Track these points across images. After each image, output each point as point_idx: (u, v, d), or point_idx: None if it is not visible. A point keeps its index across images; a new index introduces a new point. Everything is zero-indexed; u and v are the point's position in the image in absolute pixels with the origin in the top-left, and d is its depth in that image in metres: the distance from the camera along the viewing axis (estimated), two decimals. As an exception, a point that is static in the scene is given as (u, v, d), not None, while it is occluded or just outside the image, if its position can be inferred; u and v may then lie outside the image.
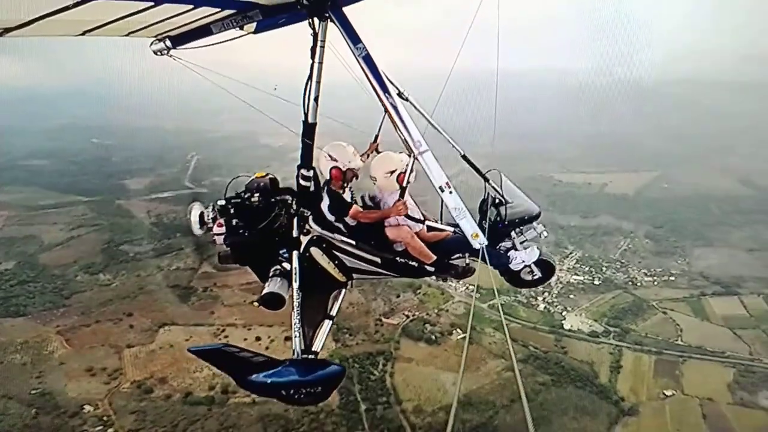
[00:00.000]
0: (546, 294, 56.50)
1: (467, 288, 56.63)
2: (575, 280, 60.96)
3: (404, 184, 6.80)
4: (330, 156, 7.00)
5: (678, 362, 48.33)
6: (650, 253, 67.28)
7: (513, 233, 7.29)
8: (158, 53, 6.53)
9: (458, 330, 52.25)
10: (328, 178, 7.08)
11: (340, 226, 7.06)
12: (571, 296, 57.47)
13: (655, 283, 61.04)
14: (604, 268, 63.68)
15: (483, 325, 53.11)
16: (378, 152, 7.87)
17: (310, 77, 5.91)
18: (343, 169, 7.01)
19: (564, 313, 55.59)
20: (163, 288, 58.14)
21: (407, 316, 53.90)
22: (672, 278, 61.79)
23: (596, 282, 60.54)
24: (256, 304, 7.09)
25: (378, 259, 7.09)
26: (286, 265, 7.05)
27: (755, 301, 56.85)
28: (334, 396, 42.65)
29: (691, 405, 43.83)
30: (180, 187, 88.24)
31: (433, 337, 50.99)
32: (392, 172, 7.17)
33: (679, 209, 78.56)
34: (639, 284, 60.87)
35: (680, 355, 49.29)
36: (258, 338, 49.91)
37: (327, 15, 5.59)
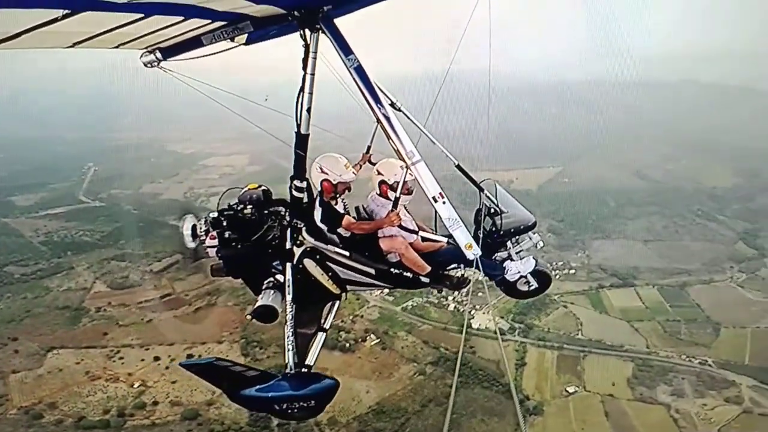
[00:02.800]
0: (456, 293, 56.89)
1: (381, 292, 56.34)
2: (484, 277, 61.51)
3: (398, 195, 6.73)
4: (321, 168, 6.87)
5: (579, 357, 49.39)
6: (552, 247, 68.51)
7: (509, 243, 7.31)
8: (148, 65, 6.50)
9: (372, 336, 51.73)
10: (319, 189, 6.96)
11: (334, 237, 6.96)
12: (480, 294, 57.69)
13: (557, 276, 61.91)
14: (510, 264, 64.66)
15: (396, 329, 53.06)
16: (371, 163, 7.89)
17: (302, 88, 5.75)
18: (334, 182, 6.87)
19: (473, 312, 55.16)
20: (52, 310, 54.73)
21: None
22: (572, 271, 63.65)
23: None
24: (249, 317, 7.05)
25: (372, 271, 6.97)
26: (280, 278, 6.96)
27: (650, 293, 59.32)
28: (243, 412, 41.07)
29: (593, 402, 44.71)
30: (74, 202, 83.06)
31: (348, 345, 50.04)
32: (381, 176, 7.31)
33: (579, 203, 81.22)
34: (542, 278, 62.01)
35: (581, 349, 50.43)
36: (157, 358, 47.99)
37: (318, 26, 5.45)
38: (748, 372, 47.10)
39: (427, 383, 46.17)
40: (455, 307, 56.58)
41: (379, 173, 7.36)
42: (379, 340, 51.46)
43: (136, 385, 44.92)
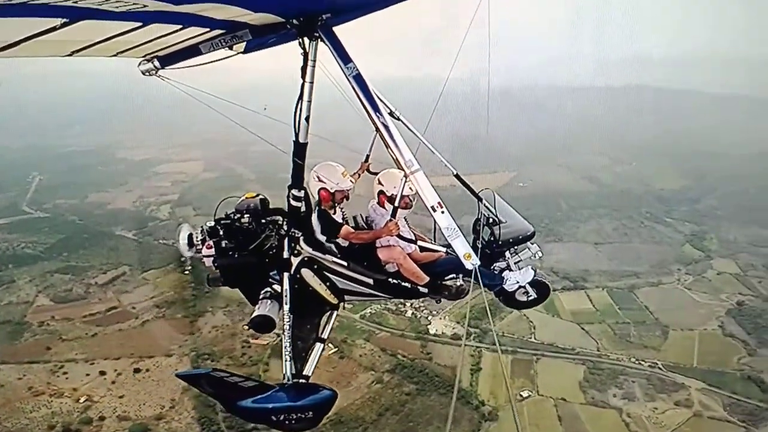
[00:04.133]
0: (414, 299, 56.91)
1: (342, 298, 56.13)
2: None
3: (395, 205, 6.76)
4: (318, 177, 6.91)
5: (532, 361, 49.39)
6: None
7: (507, 253, 7.36)
8: (146, 73, 6.55)
9: (330, 345, 50.67)
10: (317, 198, 6.98)
11: (332, 247, 6.96)
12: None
13: (511, 280, 62.75)
14: (465, 268, 64.91)
15: (354, 337, 52.63)
16: (370, 172, 7.92)
17: (300, 97, 5.74)
18: (331, 191, 6.92)
19: (429, 318, 55.71)
20: (-9, 325, 52.92)
21: (278, 335, 51.42)
22: (526, 275, 63.92)
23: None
24: (246, 327, 7.33)
25: (370, 281, 7.00)
26: (277, 287, 6.99)
27: (600, 295, 60.00)
28: (194, 426, 41.30)
29: (546, 406, 44.64)
30: (17, 213, 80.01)
31: (303, 355, 49.16)
32: (381, 186, 7.40)
33: (533, 206, 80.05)
34: (496, 283, 62.40)
35: (534, 353, 50.52)
36: (102, 372, 46.71)
37: (317, 35, 5.43)
38: (696, 375, 47.79)
39: (384, 391, 45.84)
40: (413, 313, 56.37)
41: (379, 183, 7.41)
42: (336, 348, 50.44)
43: (81, 401, 43.50)
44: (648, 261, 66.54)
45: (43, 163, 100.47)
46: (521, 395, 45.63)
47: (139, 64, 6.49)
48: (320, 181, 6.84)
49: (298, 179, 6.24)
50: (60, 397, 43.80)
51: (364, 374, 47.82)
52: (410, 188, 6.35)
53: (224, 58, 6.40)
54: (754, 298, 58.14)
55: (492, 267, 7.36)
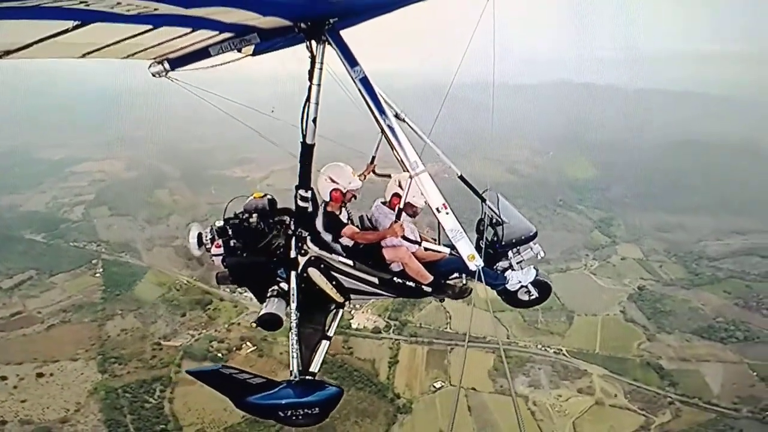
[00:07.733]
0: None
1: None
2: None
3: (401, 206, 6.75)
4: (330, 178, 6.93)
5: (446, 351, 49.65)
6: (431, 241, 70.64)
7: (510, 253, 7.44)
8: (157, 75, 6.69)
9: (248, 344, 50.18)
10: (327, 199, 7.01)
11: (338, 246, 7.01)
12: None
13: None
14: (389, 260, 65.37)
15: (276, 334, 51.75)
16: (375, 173, 8.02)
17: (308, 99, 5.86)
18: (344, 191, 6.96)
19: (353, 312, 55.29)
20: None
21: (192, 336, 51.01)
22: (446, 264, 64.86)
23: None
24: (254, 324, 7.35)
25: (376, 280, 7.03)
26: (284, 286, 7.01)
27: (511, 283, 61.22)
28: (101, 429, 41.21)
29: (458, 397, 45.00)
30: None
31: (220, 355, 48.51)
32: (400, 189, 7.33)
33: (458, 198, 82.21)
34: (418, 272, 63.03)
35: (448, 343, 50.73)
36: (4, 378, 45.28)
37: (324, 38, 5.56)
38: (598, 361, 49.25)
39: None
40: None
41: (399, 186, 7.41)
42: (255, 347, 49.92)
43: (-19, 406, 42.21)
44: (560, 247, 67.45)
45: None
46: (434, 386, 46.15)
47: (150, 66, 6.62)
48: (332, 182, 6.89)
49: (305, 180, 6.38)
50: (-42, 402, 42.27)
51: (283, 372, 46.11)
52: (417, 201, 6.72)
53: (233, 61, 6.48)
54: (654, 283, 60.46)
55: (494, 267, 7.46)
